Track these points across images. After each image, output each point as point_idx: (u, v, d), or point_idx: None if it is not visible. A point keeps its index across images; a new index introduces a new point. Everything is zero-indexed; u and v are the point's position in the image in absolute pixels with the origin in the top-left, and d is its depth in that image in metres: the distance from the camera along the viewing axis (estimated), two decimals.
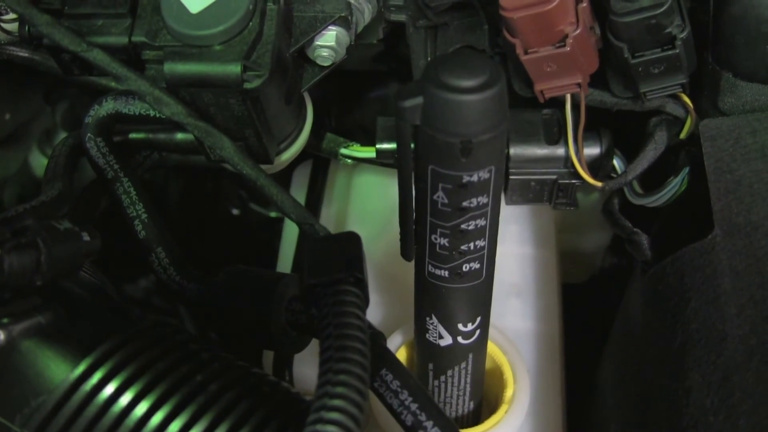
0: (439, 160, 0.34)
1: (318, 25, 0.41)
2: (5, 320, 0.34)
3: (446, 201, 0.35)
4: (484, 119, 0.31)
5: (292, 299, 0.40)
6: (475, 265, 0.38)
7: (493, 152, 0.31)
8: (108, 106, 0.46)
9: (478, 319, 0.42)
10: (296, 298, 0.40)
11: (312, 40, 0.41)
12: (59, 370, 0.33)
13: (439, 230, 0.37)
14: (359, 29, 0.44)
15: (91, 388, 0.33)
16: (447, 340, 0.43)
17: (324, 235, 0.41)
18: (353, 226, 0.57)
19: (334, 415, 0.29)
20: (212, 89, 0.37)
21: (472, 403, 0.47)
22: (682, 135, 0.43)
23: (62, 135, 0.71)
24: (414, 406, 0.35)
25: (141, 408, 0.32)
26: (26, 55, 0.53)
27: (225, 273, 0.42)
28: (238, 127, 0.39)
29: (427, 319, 0.43)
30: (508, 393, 0.47)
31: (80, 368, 0.33)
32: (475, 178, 0.31)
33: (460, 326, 0.42)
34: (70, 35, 0.37)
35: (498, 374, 0.49)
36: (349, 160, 0.55)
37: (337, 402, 0.29)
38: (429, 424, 0.34)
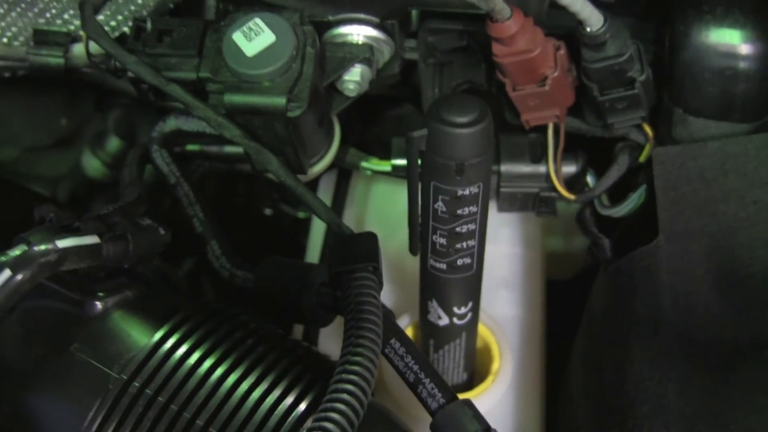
0: (439, 178, 0.39)
1: (346, 65, 0.47)
2: (101, 294, 0.41)
3: (444, 209, 0.41)
4: (473, 147, 0.37)
5: (320, 284, 0.45)
6: (467, 260, 0.44)
7: (481, 172, 0.38)
8: (171, 123, 0.54)
9: (470, 303, 0.47)
10: (324, 284, 0.45)
11: (341, 76, 0.47)
12: (143, 335, 0.39)
13: (438, 232, 0.42)
14: (379, 66, 0.50)
15: (167, 349, 0.39)
16: (444, 321, 0.48)
17: (348, 234, 0.46)
18: (371, 227, 0.57)
19: (355, 368, 0.34)
20: (262, 116, 0.43)
21: (465, 374, 0.52)
22: (641, 158, 0.50)
23: (112, 138, 0.74)
24: (416, 368, 0.39)
25: (206, 364, 0.38)
26: (90, 71, 0.60)
27: (266, 262, 0.48)
28: (280, 145, 0.46)
29: (429, 303, 0.48)
30: (495, 366, 0.53)
31: (159, 334, 0.39)
32: (467, 192, 0.38)
33: (455, 309, 0.47)
34: (152, 73, 0.43)
35: (487, 351, 0.55)
36: (369, 172, 0.60)
37: (357, 358, 0.35)
38: (427, 381, 0.38)
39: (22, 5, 0.58)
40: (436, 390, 0.39)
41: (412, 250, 0.46)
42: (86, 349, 0.39)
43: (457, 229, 0.42)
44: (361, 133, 0.63)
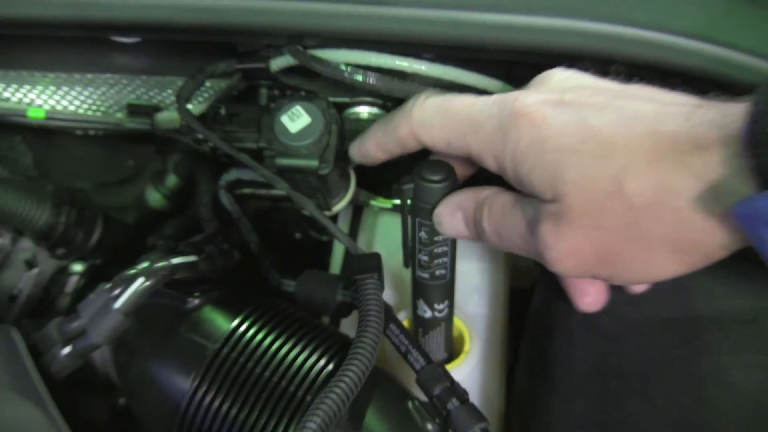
0: (421, 216, 0.48)
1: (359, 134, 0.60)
2: (197, 294, 0.54)
3: (425, 237, 0.49)
4: (443, 196, 0.47)
5: (342, 288, 0.53)
6: (443, 271, 0.52)
7: None
8: (233, 174, 0.64)
9: (446, 302, 0.55)
10: (344, 288, 0.53)
11: None
12: (226, 321, 0.51)
13: (422, 252, 0.50)
14: None
15: (243, 330, 0.50)
16: (429, 314, 0.55)
17: (361, 254, 0.54)
18: (377, 248, 0.68)
19: (366, 339, 0.45)
20: (301, 173, 0.54)
21: (445, 353, 0.60)
22: None
23: (171, 176, 0.79)
24: (406, 342, 0.50)
25: (268, 338, 0.50)
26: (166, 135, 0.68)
27: (304, 274, 0.57)
28: (313, 192, 0.57)
29: (417, 301, 0.55)
30: (466, 348, 0.61)
31: (237, 320, 0.51)
32: None
33: (436, 306, 0.55)
34: (228, 145, 0.55)
35: (461, 338, 0.63)
36: (376, 208, 0.66)
37: (367, 334, 0.45)
38: (414, 351, 0.49)
39: (119, 86, 0.69)
40: (419, 357, 0.49)
41: (405, 264, 0.53)
42: (189, 331, 0.51)
43: (435, 250, 0.50)
44: (370, 179, 0.69)
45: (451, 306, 0.56)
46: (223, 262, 0.56)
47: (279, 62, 0.58)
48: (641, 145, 0.36)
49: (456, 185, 0.47)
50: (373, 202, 0.66)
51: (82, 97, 0.70)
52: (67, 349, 0.49)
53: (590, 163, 0.38)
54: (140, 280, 0.49)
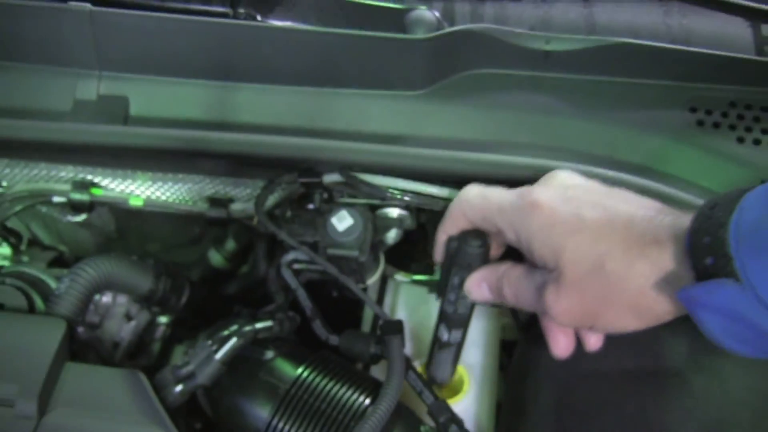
0: (457, 266, 0.62)
1: (387, 230, 0.77)
2: (270, 349, 0.70)
3: (457, 282, 0.63)
4: (477, 256, 0.61)
5: (374, 343, 0.70)
6: (464, 310, 0.65)
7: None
8: (292, 255, 0.77)
9: (461, 331, 0.68)
10: (376, 343, 0.70)
11: (384, 235, 0.76)
12: (293, 369, 0.67)
13: (452, 292, 0.64)
14: (405, 227, 0.79)
15: (305, 376, 0.66)
16: (446, 337, 0.69)
17: (387, 319, 0.69)
18: (399, 311, 0.83)
19: (392, 383, 0.63)
20: (345, 260, 0.70)
21: (451, 371, 0.73)
22: None
23: (231, 241, 0.93)
24: (420, 384, 0.67)
25: (323, 381, 0.66)
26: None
27: (345, 332, 0.73)
28: (353, 272, 0.73)
29: (440, 325, 0.68)
30: (465, 388, 0.75)
31: (301, 368, 0.67)
32: None
33: (453, 331, 0.68)
34: (293, 240, 0.73)
35: (461, 380, 0.76)
36: (399, 280, 0.82)
37: (393, 379, 0.64)
38: (426, 391, 0.67)
39: (202, 183, 0.86)
40: (430, 395, 0.68)
41: (437, 296, 0.67)
42: (267, 375, 0.69)
43: (461, 293, 0.64)
44: (394, 257, 0.83)
45: (463, 335, 0.69)
46: (289, 326, 0.76)
47: (330, 178, 0.78)
48: (618, 238, 0.49)
49: (488, 250, 0.61)
50: (397, 276, 0.83)
51: (172, 190, 0.86)
52: (179, 387, 0.70)
53: (582, 246, 0.51)
54: (234, 339, 0.69)
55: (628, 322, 0.51)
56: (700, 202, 0.61)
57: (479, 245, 0.61)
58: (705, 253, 0.44)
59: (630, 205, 0.52)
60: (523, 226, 0.55)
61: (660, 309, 0.49)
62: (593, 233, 0.50)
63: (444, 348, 0.71)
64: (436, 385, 0.75)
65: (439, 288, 0.65)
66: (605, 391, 0.69)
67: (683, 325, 0.49)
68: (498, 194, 0.59)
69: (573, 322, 0.54)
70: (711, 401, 0.64)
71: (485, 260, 0.62)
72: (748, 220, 0.43)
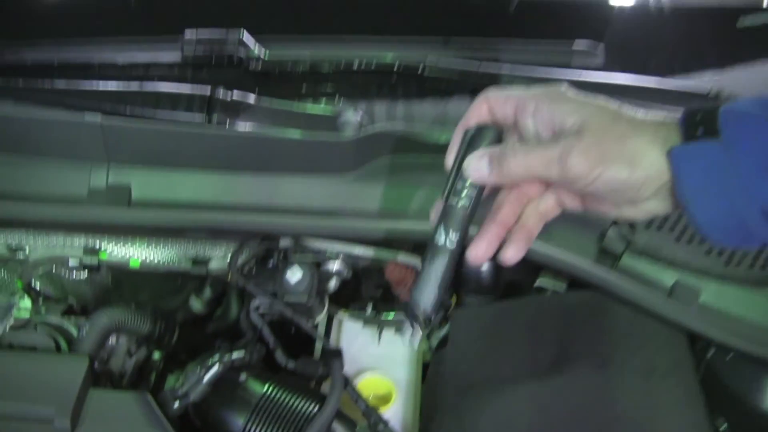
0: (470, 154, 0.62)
1: (328, 280, 1.04)
2: (245, 372, 0.93)
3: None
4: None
5: (322, 365, 0.91)
6: (466, 202, 0.63)
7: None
8: (257, 301, 0.97)
9: (458, 236, 0.64)
10: (324, 365, 0.92)
11: (327, 289, 1.07)
12: (261, 387, 0.90)
13: (459, 180, 0.63)
14: (342, 276, 1.08)
15: (271, 393, 0.91)
16: (441, 241, 0.65)
17: (330, 347, 0.98)
18: (342, 342, 1.07)
19: (334, 394, 0.86)
20: (298, 304, 1.00)
21: (438, 294, 0.65)
22: None
23: (208, 290, 1.10)
24: (356, 396, 0.89)
25: (285, 396, 0.87)
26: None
27: (300, 359, 0.94)
28: (304, 313, 1.00)
29: (438, 227, 0.65)
30: (393, 397, 0.96)
31: (266, 387, 0.93)
32: None
33: (451, 233, 0.64)
34: (262, 292, 0.96)
35: (389, 393, 0.97)
36: (341, 317, 1.10)
37: (334, 392, 0.87)
38: (360, 401, 0.91)
39: (186, 245, 1.07)
40: (362, 401, 0.91)
41: (443, 193, 0.65)
42: (241, 392, 0.90)
43: (467, 182, 0.63)
44: (338, 299, 1.04)
45: (460, 243, 0.64)
46: (257, 355, 0.99)
47: (285, 242, 1.03)
48: (629, 116, 0.57)
49: (501, 136, 0.62)
50: (339, 314, 1.05)
51: (163, 252, 1.04)
52: (177, 404, 0.94)
53: (605, 116, 0.58)
54: (217, 366, 0.93)
55: (623, 174, 0.56)
56: None
57: (494, 128, 0.62)
58: (696, 125, 0.54)
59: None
60: (549, 97, 0.59)
61: (652, 169, 0.55)
62: (612, 112, 0.58)
63: (436, 256, 0.63)
64: (418, 314, 0.65)
65: (445, 187, 0.63)
66: (495, 388, 0.93)
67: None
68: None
69: (588, 177, 0.56)
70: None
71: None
72: (736, 108, 0.53)
